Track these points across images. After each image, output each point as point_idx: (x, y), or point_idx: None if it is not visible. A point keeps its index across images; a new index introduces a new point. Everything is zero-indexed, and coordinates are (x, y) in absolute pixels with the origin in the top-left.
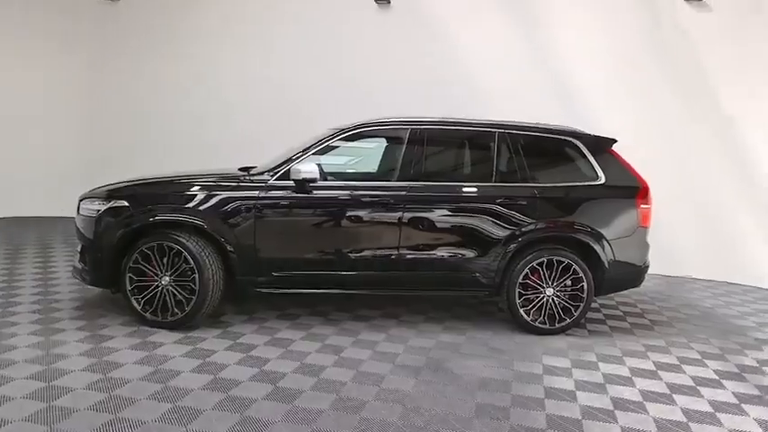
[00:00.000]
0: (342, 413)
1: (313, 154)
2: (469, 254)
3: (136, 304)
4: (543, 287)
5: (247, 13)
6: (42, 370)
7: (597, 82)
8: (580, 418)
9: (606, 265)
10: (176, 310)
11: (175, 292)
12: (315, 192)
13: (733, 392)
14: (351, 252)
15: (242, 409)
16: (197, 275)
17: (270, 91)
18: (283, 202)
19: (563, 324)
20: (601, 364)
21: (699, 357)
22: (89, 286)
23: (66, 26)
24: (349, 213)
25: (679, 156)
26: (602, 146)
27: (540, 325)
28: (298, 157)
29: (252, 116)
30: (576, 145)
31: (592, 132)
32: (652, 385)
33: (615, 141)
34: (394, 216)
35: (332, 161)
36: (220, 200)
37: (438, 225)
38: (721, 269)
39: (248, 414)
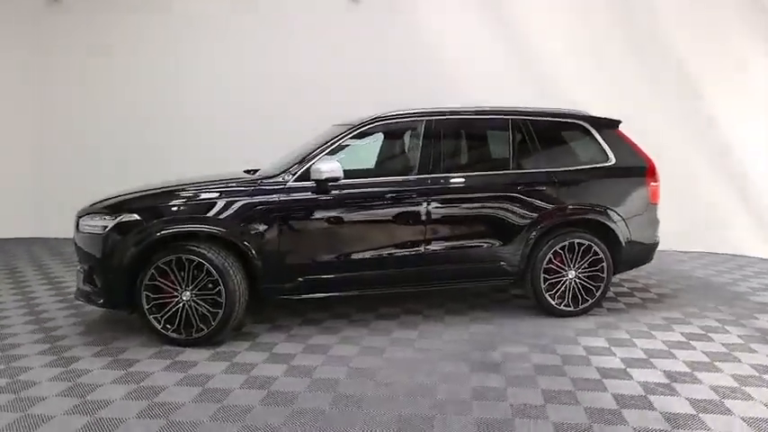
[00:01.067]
0: (432, 413)
1: (330, 152)
2: (495, 243)
3: (156, 323)
4: (566, 270)
5: (207, 8)
6: (79, 403)
7: (567, 62)
8: (644, 393)
9: (623, 244)
10: (201, 325)
11: (198, 306)
12: (335, 191)
13: (766, 354)
14: (377, 251)
15: (316, 419)
16: (222, 287)
17: (229, 91)
18: (306, 204)
19: (586, 305)
20: (635, 340)
21: (719, 325)
22: (89, 308)
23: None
24: (372, 211)
25: (650, 131)
26: (609, 127)
27: (564, 308)
28: (314, 156)
29: (209, 117)
30: (585, 127)
31: (595, 114)
32: (691, 355)
33: (620, 122)
34: (418, 210)
35: (348, 158)
36: (241, 206)
37: (462, 216)
38: (699, 240)
39: (324, 424)
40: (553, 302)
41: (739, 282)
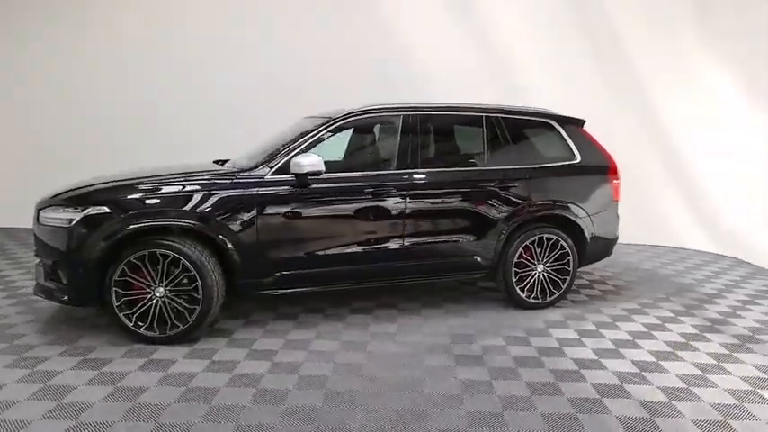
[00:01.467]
0: (425, 407)
1: (308, 145)
2: (471, 238)
3: (127, 321)
4: (534, 264)
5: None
6: (56, 406)
7: (528, 61)
8: (619, 383)
9: (588, 240)
10: (177, 322)
11: (172, 303)
12: (314, 185)
13: (719, 343)
14: (356, 245)
15: (311, 417)
16: (200, 283)
17: (189, 79)
18: (285, 198)
19: (553, 297)
20: (602, 331)
21: (673, 315)
22: (43, 304)
23: None
24: (351, 206)
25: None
26: (574, 125)
27: (533, 300)
28: (292, 150)
29: (170, 105)
30: (553, 126)
31: (562, 113)
32: (654, 345)
33: (585, 122)
34: (397, 205)
35: (324, 152)
36: (219, 199)
37: (440, 211)
38: (645, 233)
39: (320, 422)
40: (523, 295)
41: (684, 273)
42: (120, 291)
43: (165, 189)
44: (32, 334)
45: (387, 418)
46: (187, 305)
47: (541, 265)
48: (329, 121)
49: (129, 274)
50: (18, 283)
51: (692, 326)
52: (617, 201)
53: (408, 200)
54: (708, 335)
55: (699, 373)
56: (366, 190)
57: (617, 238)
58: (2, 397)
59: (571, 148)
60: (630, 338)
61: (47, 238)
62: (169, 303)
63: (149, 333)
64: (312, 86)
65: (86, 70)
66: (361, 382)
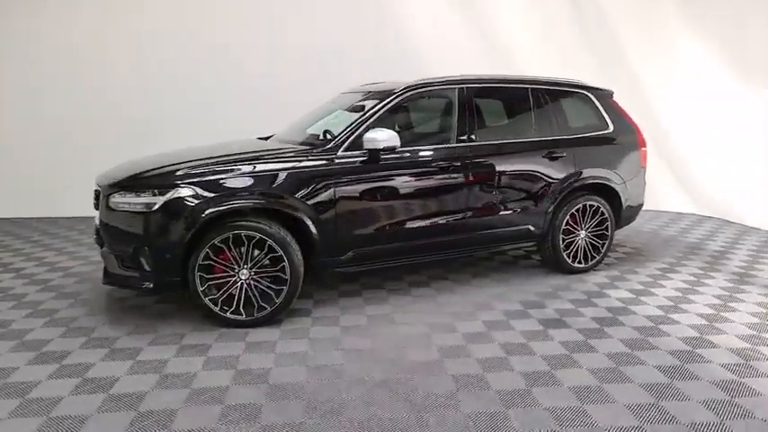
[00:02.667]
0: (549, 366)
1: (375, 121)
2: (527, 207)
3: (213, 305)
4: (578, 231)
5: None
6: (191, 394)
7: (522, 43)
8: (698, 334)
9: (624, 206)
10: (263, 304)
11: (257, 284)
12: (386, 160)
13: (757, 293)
14: (426, 219)
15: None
16: (287, 263)
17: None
18: (360, 174)
19: (594, 261)
20: (651, 289)
21: (702, 272)
22: (84, 295)
23: None
24: (420, 179)
25: None
26: (606, 97)
27: (578, 265)
28: (361, 126)
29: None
30: (589, 97)
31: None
32: (704, 299)
33: (613, 92)
34: (462, 178)
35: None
36: (299, 177)
37: (500, 182)
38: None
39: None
40: (569, 261)
41: (684, 234)
42: (204, 275)
43: (247, 169)
44: (105, 325)
45: (532, 370)
46: (274, 286)
47: (584, 232)
48: (390, 95)
49: (213, 257)
50: (41, 276)
51: (725, 280)
52: (644, 167)
53: (472, 172)
54: (743, 287)
55: (762, 311)
56: (433, 163)
57: (643, 203)
58: (127, 390)
59: (605, 118)
60: (680, 294)
61: (124, 224)
62: (255, 285)
63: (236, 317)
64: (311, 72)
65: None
66: (492, 347)
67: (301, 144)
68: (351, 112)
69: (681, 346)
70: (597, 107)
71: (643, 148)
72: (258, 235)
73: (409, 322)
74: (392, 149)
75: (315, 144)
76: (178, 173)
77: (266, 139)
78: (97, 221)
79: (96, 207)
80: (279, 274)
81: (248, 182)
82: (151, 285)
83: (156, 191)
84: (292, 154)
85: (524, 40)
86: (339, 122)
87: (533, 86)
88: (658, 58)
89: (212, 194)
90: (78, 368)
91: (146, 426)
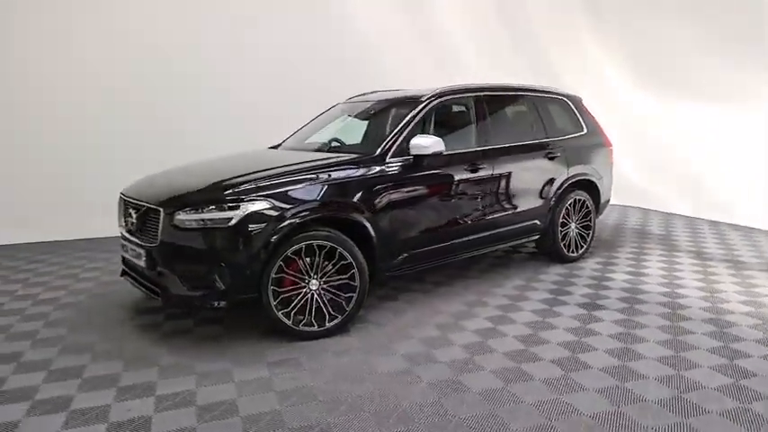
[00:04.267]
0: (631, 342)
1: (414, 126)
2: (537, 203)
3: (285, 318)
4: (570, 223)
5: None
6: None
7: (463, 48)
8: (708, 304)
9: (601, 200)
10: (334, 313)
11: (327, 294)
12: (429, 165)
13: (724, 268)
14: (463, 219)
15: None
16: (356, 270)
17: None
18: (407, 179)
19: (583, 250)
20: (644, 271)
21: (676, 253)
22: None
23: None
24: (457, 182)
25: None
26: (578, 102)
27: (571, 254)
28: (402, 132)
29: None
30: (567, 102)
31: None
32: (693, 275)
33: (582, 98)
34: (490, 178)
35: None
36: (360, 186)
37: (519, 181)
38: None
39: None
40: (566, 251)
41: (647, 226)
42: (276, 288)
43: (314, 179)
44: (189, 348)
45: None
46: (343, 294)
47: (574, 224)
48: (420, 102)
49: (286, 269)
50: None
51: (689, 258)
52: (612, 164)
53: (497, 172)
54: (707, 262)
55: (743, 288)
56: (465, 166)
57: (610, 198)
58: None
59: (580, 121)
60: (667, 273)
61: (196, 243)
62: (324, 295)
63: (309, 328)
64: (266, 82)
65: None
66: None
67: (330, 152)
68: (364, 119)
69: (710, 314)
70: (574, 111)
71: (610, 147)
72: (329, 244)
73: (477, 315)
74: (438, 154)
75: (360, 152)
76: (253, 185)
77: (276, 147)
78: (129, 241)
79: (130, 225)
80: (348, 281)
81: (317, 192)
82: (224, 303)
83: (230, 205)
84: (349, 162)
85: (463, 44)
86: (351, 130)
87: (528, 93)
88: (574, 65)
89: (288, 206)
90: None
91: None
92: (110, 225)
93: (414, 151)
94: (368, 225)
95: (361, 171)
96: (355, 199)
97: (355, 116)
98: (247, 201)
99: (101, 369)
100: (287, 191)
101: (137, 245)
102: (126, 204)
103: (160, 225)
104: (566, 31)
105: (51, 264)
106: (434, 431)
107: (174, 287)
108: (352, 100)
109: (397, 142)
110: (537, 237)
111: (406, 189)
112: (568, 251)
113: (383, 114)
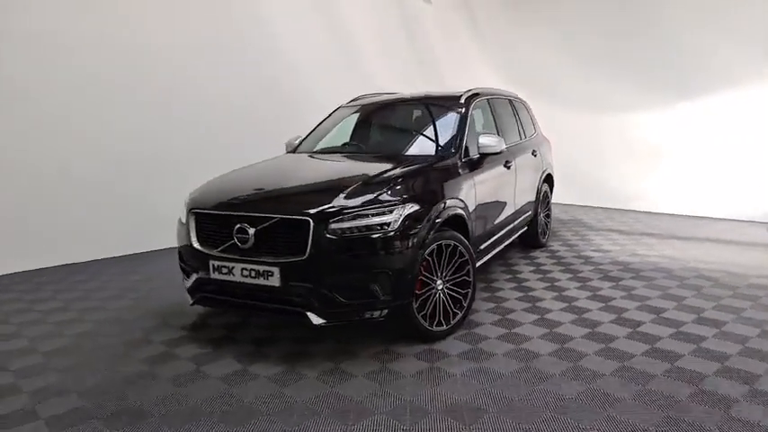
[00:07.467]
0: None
1: (469, 126)
2: (531, 195)
3: (423, 320)
4: (540, 212)
5: None
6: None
7: (369, 50)
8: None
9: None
10: (456, 310)
11: (450, 292)
12: (488, 162)
13: (644, 242)
14: (504, 212)
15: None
16: (471, 267)
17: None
18: (481, 177)
19: (547, 235)
20: (610, 248)
21: (638, 237)
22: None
23: None
24: (502, 177)
25: None
26: (527, 104)
27: (542, 239)
28: (462, 132)
29: None
30: (525, 105)
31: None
32: (649, 252)
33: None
34: (514, 173)
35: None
36: (459, 185)
37: (524, 175)
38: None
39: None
40: (542, 238)
41: (586, 219)
42: (416, 291)
43: (432, 179)
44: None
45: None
46: (461, 290)
47: (542, 213)
48: (461, 104)
49: (423, 272)
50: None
51: (624, 236)
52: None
53: (517, 167)
54: (640, 237)
55: (647, 251)
56: (506, 162)
57: None
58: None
59: (533, 122)
60: (620, 247)
61: (355, 251)
62: (447, 293)
63: (439, 328)
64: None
65: None
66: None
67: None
68: (400, 121)
69: (663, 264)
70: (529, 113)
71: (548, 144)
72: (453, 242)
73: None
74: (500, 152)
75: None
76: (401, 188)
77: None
78: (238, 261)
79: (243, 243)
80: (465, 277)
81: (440, 192)
82: (386, 312)
83: (389, 209)
84: (442, 162)
85: (371, 52)
86: (383, 131)
87: (510, 98)
88: (462, 74)
89: (429, 206)
90: None
91: None
92: None
93: (482, 150)
94: (468, 221)
95: (455, 170)
96: (461, 196)
97: (377, 118)
98: (401, 204)
99: None
100: (422, 193)
101: (257, 263)
102: (225, 220)
103: (310, 237)
104: (453, 41)
105: None
106: None
107: (327, 302)
108: (358, 103)
109: (464, 142)
110: (527, 227)
111: (482, 185)
112: (543, 237)
113: (426, 115)
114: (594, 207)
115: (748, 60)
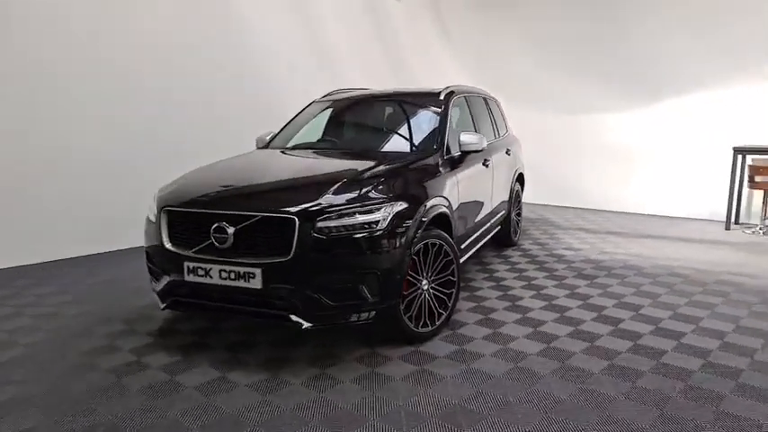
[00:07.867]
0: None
1: (450, 122)
2: (505, 194)
3: (409, 322)
4: (512, 210)
5: None
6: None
7: (341, 50)
8: (626, 258)
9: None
10: (441, 310)
11: (435, 292)
12: (470, 159)
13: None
14: (482, 210)
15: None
16: (455, 266)
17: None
18: (463, 174)
19: (519, 234)
20: (580, 246)
21: (607, 236)
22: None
23: None
24: (481, 175)
25: None
26: (499, 102)
27: (514, 237)
28: (444, 130)
29: None
30: (497, 103)
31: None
32: (618, 250)
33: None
34: (491, 171)
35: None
36: (444, 183)
37: (500, 174)
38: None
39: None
40: (514, 237)
41: (566, 218)
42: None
43: (422, 176)
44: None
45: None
46: (446, 290)
47: (514, 210)
48: (443, 100)
49: (409, 272)
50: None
51: (592, 234)
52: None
53: (493, 165)
54: (606, 236)
55: (618, 249)
56: (485, 161)
57: None
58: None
59: (505, 121)
60: (589, 246)
61: (344, 251)
62: (432, 293)
63: (424, 329)
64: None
65: None
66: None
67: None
68: (375, 116)
69: (633, 261)
70: (502, 112)
71: (521, 144)
72: (438, 242)
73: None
74: (481, 150)
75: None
76: (387, 185)
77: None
78: (215, 262)
79: (222, 242)
80: (449, 277)
81: (425, 189)
82: (374, 314)
83: (377, 207)
84: (425, 160)
85: (342, 52)
86: (355, 127)
87: (484, 96)
88: (432, 73)
89: (416, 205)
90: None
91: None
92: None
93: (464, 148)
94: (451, 219)
95: (438, 168)
96: (445, 194)
97: (353, 114)
98: (390, 202)
99: None
100: (409, 191)
101: (237, 264)
102: (202, 219)
103: (295, 236)
104: (422, 39)
105: None
106: None
107: (315, 307)
108: (332, 98)
109: (445, 140)
110: (500, 226)
111: (464, 183)
112: (515, 236)
113: (404, 112)
114: (564, 207)
115: (718, 68)
